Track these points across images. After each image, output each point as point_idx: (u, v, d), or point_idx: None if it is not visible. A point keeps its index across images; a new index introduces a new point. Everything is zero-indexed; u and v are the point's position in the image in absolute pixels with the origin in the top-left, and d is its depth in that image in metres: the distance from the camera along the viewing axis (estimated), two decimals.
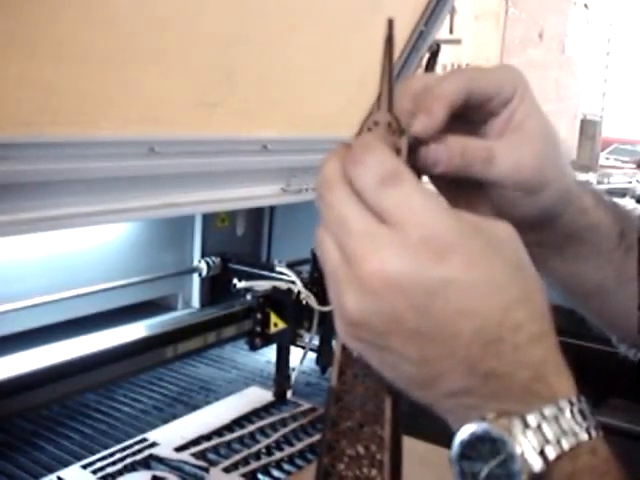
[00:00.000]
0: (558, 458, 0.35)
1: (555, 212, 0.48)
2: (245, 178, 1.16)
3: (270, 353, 1.20)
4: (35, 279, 1.07)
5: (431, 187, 0.43)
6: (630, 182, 4.58)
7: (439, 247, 0.34)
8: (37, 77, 0.78)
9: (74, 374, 1.08)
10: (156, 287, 1.31)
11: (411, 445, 0.55)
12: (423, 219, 0.35)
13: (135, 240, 1.26)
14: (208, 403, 1.09)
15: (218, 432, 0.98)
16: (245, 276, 1.22)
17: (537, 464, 0.35)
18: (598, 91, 4.95)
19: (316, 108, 1.22)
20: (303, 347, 1.15)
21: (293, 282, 1.11)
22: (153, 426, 1.00)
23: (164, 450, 0.92)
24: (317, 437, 0.98)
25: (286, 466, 0.91)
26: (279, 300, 1.09)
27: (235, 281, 1.19)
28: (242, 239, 1.49)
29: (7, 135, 0.78)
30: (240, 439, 0.97)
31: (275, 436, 0.98)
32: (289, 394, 1.12)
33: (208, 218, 1.37)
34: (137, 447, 0.92)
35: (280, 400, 1.10)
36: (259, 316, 1.08)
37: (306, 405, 1.09)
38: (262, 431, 1.00)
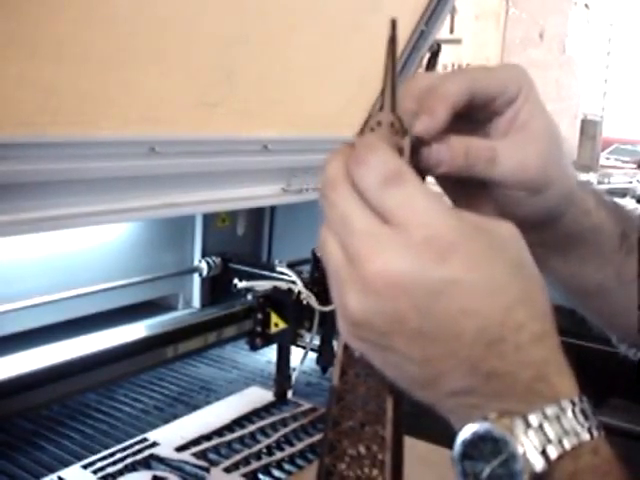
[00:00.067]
0: (560, 458, 0.35)
1: (558, 212, 0.48)
2: (245, 178, 1.16)
3: (271, 353, 1.20)
4: (35, 279, 1.07)
5: (436, 187, 0.43)
6: (630, 182, 4.57)
7: (441, 247, 0.34)
8: (37, 77, 0.78)
9: (74, 374, 1.08)
10: (156, 287, 1.31)
11: (412, 445, 0.55)
12: (425, 219, 0.35)
13: (135, 240, 1.26)
14: (209, 403, 1.09)
15: (219, 432, 0.98)
16: (246, 276, 1.22)
17: (539, 464, 0.35)
18: (599, 91, 4.94)
19: (316, 108, 1.22)
20: (304, 347, 1.15)
21: (294, 282, 1.11)
22: (154, 426, 1.00)
23: (165, 450, 0.92)
24: (318, 437, 0.98)
25: (287, 466, 0.91)
26: (280, 300, 1.09)
27: (236, 281, 1.19)
28: (243, 239, 1.49)
29: (7, 135, 0.77)
30: (241, 439, 0.97)
31: (276, 436, 0.98)
32: (290, 394, 1.12)
33: (208, 218, 1.37)
34: (138, 447, 0.92)
35: (281, 400, 1.10)
36: (260, 316, 1.08)
37: (307, 405, 1.09)
38: (263, 431, 1.00)
